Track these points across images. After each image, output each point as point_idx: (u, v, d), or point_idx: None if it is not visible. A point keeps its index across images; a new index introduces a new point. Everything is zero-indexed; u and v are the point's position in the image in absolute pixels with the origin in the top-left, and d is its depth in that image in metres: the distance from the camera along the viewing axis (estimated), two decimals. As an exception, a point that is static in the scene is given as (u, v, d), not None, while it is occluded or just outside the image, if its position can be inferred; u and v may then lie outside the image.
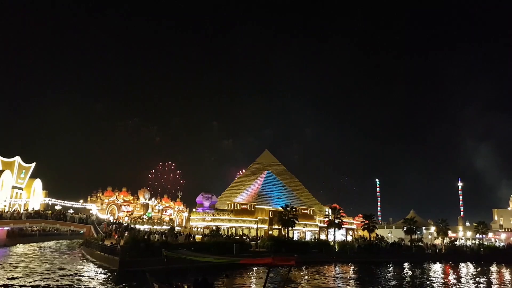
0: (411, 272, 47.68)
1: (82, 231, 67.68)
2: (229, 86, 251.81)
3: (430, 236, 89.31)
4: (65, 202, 79.51)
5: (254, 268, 42.61)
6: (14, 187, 71.72)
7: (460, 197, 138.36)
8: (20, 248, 55.72)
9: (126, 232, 52.46)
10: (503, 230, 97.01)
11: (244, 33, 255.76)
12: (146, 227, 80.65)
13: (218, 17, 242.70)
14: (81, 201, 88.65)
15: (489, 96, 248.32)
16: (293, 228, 67.13)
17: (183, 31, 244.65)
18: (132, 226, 74.12)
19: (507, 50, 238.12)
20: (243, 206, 74.00)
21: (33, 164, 77.15)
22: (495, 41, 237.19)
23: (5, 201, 67.51)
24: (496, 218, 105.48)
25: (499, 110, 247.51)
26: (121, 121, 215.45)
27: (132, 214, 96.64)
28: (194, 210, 76.32)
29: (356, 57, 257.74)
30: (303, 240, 69.00)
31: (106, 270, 35.29)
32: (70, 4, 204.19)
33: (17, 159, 72.88)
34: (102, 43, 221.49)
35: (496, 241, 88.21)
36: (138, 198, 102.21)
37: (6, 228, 58.05)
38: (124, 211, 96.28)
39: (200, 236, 60.96)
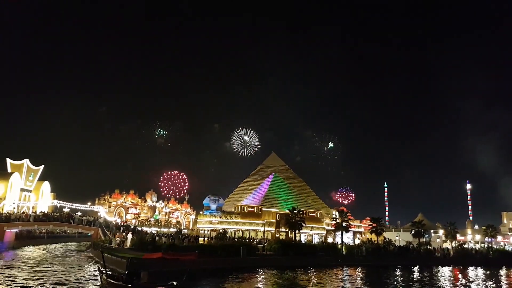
0: (419, 275, 47.27)
1: (89, 233, 68.11)
2: (228, 88, 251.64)
3: (438, 240, 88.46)
4: (73, 204, 79.99)
5: (260, 272, 42.55)
6: (22, 190, 72.36)
7: (469, 200, 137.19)
8: (28, 250, 56.18)
9: (130, 233, 52.65)
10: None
11: (244, 33, 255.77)
12: (153, 230, 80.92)
13: (217, 16, 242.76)
14: (89, 203, 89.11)
15: (494, 92, 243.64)
16: (300, 231, 66.86)
17: (183, 32, 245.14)
18: (139, 228, 74.48)
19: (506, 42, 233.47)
20: (250, 209, 73.85)
21: (42, 167, 77.82)
22: (494, 32, 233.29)
23: (13, 203, 68.11)
24: (505, 221, 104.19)
25: (504, 106, 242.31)
26: (125, 124, 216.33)
27: (139, 216, 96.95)
28: (201, 212, 76.37)
29: (354, 57, 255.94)
30: (310, 243, 68.66)
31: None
32: (72, 6, 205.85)
33: (26, 161, 73.54)
34: (102, 48, 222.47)
35: (505, 245, 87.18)
36: (145, 201, 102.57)
37: (14, 230, 58.59)
38: (131, 213, 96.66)
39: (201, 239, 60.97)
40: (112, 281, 25.34)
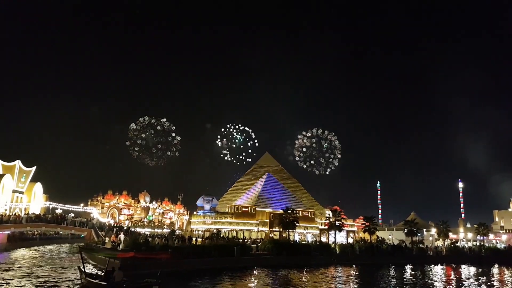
0: (412, 274, 47.64)
1: (82, 235, 67.70)
2: (221, 89, 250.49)
3: (431, 238, 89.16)
4: (66, 205, 79.56)
5: (254, 271, 42.64)
6: (14, 191, 71.69)
7: (461, 199, 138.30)
8: (21, 252, 55.76)
9: (122, 233, 52.44)
10: (504, 231, 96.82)
11: (238, 33, 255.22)
12: (146, 230, 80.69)
13: (208, 16, 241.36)
14: (82, 204, 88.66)
15: (485, 90, 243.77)
16: (294, 230, 67.06)
17: (177, 34, 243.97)
18: (133, 229, 74.22)
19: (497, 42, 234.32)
20: (243, 209, 73.92)
21: (34, 168, 77.14)
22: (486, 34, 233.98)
23: (5, 205, 67.46)
24: (497, 220, 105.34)
25: (495, 104, 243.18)
26: (117, 125, 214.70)
27: (132, 217, 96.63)
28: (194, 213, 76.25)
29: (345, 56, 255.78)
30: (304, 242, 68.88)
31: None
32: (65, 9, 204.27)
33: (18, 163, 72.85)
34: (94, 50, 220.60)
35: (497, 243, 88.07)
36: (138, 202, 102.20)
37: (7, 232, 58.07)
38: (124, 214, 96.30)
39: (200, 239, 60.93)
40: (91, 280, 26.90)
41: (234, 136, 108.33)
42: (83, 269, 28.53)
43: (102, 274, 28.57)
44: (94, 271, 37.66)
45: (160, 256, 28.73)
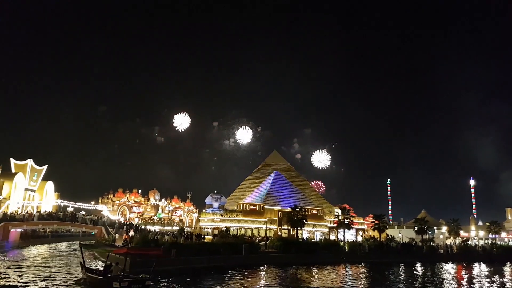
0: (422, 272, 47.25)
1: (93, 232, 68.56)
2: (227, 87, 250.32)
3: (441, 236, 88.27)
4: (77, 203, 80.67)
5: (263, 269, 42.73)
6: (26, 190, 72.86)
7: (473, 196, 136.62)
8: (33, 249, 56.60)
9: (132, 230, 52.94)
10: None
11: (243, 32, 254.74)
12: (156, 228, 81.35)
13: (211, 18, 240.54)
14: (93, 202, 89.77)
15: (495, 85, 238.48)
16: (302, 228, 66.87)
17: (182, 30, 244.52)
18: (143, 227, 74.94)
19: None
20: (252, 207, 73.97)
21: (45, 167, 78.30)
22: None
23: (18, 203, 68.62)
24: (509, 217, 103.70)
25: (503, 101, 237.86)
26: (123, 123, 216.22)
27: (142, 215, 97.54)
28: (203, 210, 76.59)
29: (352, 54, 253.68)
30: (312, 240, 68.68)
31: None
32: (69, 8, 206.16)
33: (30, 161, 74.03)
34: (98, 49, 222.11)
35: (509, 241, 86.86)
36: (148, 199, 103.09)
37: (19, 229, 59.08)
38: (135, 212, 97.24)
39: (211, 237, 61.19)
40: (90, 274, 28.37)
41: (241, 134, 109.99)
42: (83, 264, 29.84)
43: (98, 269, 30.24)
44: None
45: (152, 253, 29.84)
